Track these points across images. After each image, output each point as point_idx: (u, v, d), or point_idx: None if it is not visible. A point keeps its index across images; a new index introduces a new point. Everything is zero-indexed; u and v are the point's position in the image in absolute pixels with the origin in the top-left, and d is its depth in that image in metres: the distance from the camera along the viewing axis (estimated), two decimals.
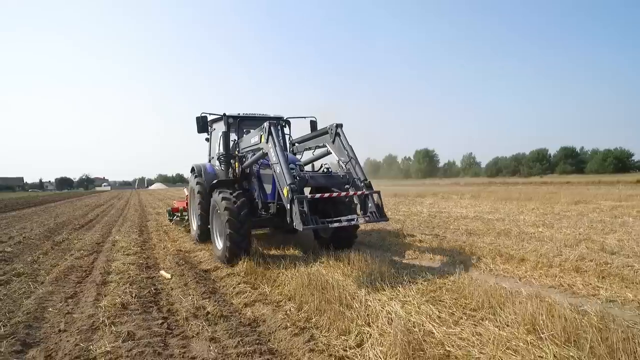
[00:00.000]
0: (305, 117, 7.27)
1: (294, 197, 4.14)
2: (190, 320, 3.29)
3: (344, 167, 5.17)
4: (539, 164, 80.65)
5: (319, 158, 6.25)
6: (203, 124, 6.85)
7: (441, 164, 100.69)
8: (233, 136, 6.91)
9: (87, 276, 4.95)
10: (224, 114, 6.68)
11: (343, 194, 4.89)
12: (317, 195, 4.68)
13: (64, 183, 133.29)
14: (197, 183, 6.94)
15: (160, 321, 3.30)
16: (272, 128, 4.88)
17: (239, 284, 4.34)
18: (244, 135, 6.65)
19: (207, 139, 7.98)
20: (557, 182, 37.01)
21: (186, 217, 8.79)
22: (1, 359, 2.66)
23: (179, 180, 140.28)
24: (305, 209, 4.12)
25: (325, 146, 5.66)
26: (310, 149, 6.18)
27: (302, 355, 2.66)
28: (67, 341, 2.95)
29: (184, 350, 2.77)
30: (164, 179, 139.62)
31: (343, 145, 5.18)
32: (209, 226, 6.18)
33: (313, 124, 7.14)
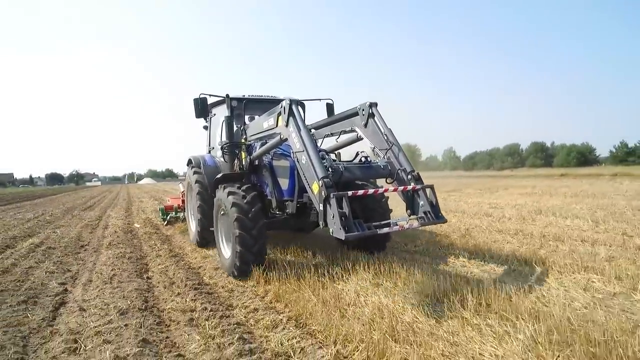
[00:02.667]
0: (320, 100, 6.66)
1: (331, 195, 3.29)
2: (143, 235, 8.12)
3: (381, 156, 4.30)
4: (510, 158, 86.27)
5: (345, 145, 5.37)
6: (202, 107, 6.12)
7: (423, 158, 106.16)
8: (236, 123, 6.18)
9: (96, 227, 9.78)
10: (227, 96, 5.95)
11: (391, 189, 3.96)
12: (360, 192, 3.79)
13: (54, 179, 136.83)
14: (196, 177, 6.32)
15: (131, 236, 8.14)
16: (293, 107, 4.07)
17: (171, 229, 9.18)
18: (248, 120, 6.07)
19: (205, 127, 7.43)
20: (501, 175, 42.30)
21: (181, 216, 8.52)
22: (72, 245, 7.46)
23: (168, 175, 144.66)
24: (347, 210, 3.25)
25: (354, 131, 4.76)
26: (333, 134, 5.22)
27: (183, 242, 7.48)
28: (95, 239, 7.79)
29: (137, 241, 7.61)
30: (153, 174, 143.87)
31: (379, 128, 4.29)
32: (211, 228, 5.58)
33: (329, 107, 6.64)
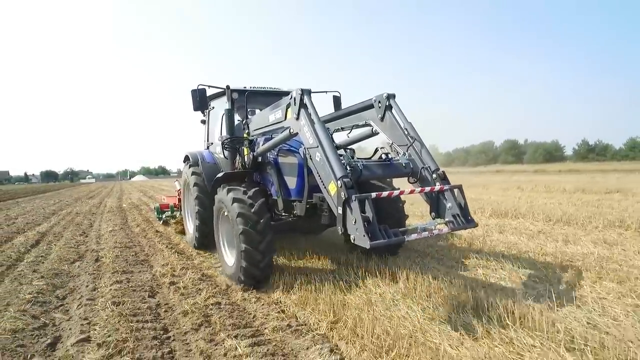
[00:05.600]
0: (327, 92, 6.52)
1: (353, 198, 2.94)
2: (129, 210, 14.33)
3: (400, 152, 3.95)
4: (484, 155, 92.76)
5: (358, 141, 5.02)
6: (201, 99, 5.79)
7: None
8: (237, 117, 6.01)
9: (99, 206, 15.99)
10: (227, 87, 5.68)
11: (417, 190, 3.52)
12: (385, 193, 3.37)
13: (48, 176, 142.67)
14: (194, 178, 6.10)
15: (120, 210, 14.31)
16: (305, 97, 3.68)
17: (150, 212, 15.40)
18: (249, 114, 5.76)
19: (203, 121, 7.21)
20: (464, 171, 48.77)
21: (177, 215, 8.30)
22: (88, 212, 13.67)
23: (161, 172, 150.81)
24: (371, 214, 2.91)
25: (369, 125, 4.45)
26: (343, 129, 4.89)
27: (148, 212, 13.68)
28: (100, 211, 14.02)
29: (124, 212, 13.86)
30: (146, 171, 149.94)
31: (398, 122, 3.97)
32: (210, 229, 5.28)
33: (336, 100, 6.56)
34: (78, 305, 3.94)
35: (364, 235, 2.79)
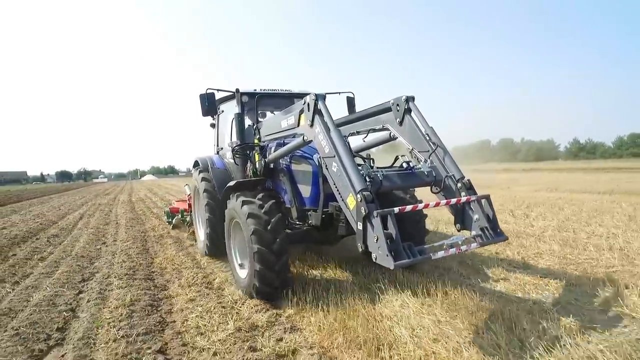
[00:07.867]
0: (340, 93, 6.27)
1: (375, 214, 2.80)
2: (137, 202, 19.69)
3: (421, 159, 3.79)
4: (479, 154, 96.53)
5: (374, 146, 4.95)
6: (210, 104, 5.52)
7: None
8: (247, 120, 5.88)
9: (114, 200, 21.45)
10: (237, 90, 5.58)
11: (443, 202, 3.35)
12: (409, 208, 3.19)
13: (63, 176, 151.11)
14: (204, 184, 5.96)
15: (130, 202, 19.71)
16: (319, 103, 3.58)
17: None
18: (260, 117, 5.72)
19: (212, 125, 7.08)
20: None
21: (188, 219, 8.46)
22: (107, 204, 19.10)
23: (170, 171, 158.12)
24: (394, 231, 2.75)
25: (386, 129, 4.28)
26: (359, 133, 4.76)
27: (151, 204, 19.02)
28: (114, 203, 19.46)
29: (132, 203, 19.27)
30: (156, 171, 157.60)
31: (418, 127, 3.82)
32: (220, 237, 5.23)
33: (350, 101, 6.31)
34: (110, 236, 9.21)
35: (387, 255, 2.65)
